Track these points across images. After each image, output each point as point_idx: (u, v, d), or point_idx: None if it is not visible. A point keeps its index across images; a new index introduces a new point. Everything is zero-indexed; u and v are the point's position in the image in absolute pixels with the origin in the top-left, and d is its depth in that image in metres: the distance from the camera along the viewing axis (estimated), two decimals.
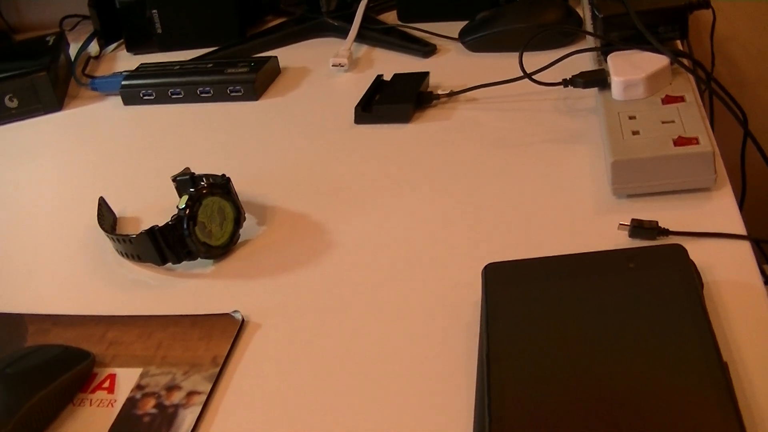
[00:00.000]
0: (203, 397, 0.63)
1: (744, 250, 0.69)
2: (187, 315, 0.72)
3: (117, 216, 0.90)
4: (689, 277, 0.61)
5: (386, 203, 0.83)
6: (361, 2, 1.26)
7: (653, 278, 0.61)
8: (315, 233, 0.80)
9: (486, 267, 0.65)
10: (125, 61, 1.37)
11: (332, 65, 1.17)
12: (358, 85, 1.09)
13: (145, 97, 1.18)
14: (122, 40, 1.43)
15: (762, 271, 0.67)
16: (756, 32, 1.32)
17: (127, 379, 0.66)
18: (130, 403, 0.64)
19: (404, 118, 0.97)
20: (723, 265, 0.67)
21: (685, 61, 0.86)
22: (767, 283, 0.66)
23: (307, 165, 0.92)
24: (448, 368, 0.62)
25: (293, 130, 1.02)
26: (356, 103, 1.01)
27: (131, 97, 1.19)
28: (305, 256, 0.77)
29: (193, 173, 0.88)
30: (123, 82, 1.20)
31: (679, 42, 0.97)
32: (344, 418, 0.60)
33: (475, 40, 1.14)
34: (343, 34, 1.24)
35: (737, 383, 0.56)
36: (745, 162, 1.14)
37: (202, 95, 1.15)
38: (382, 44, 1.23)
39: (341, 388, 0.62)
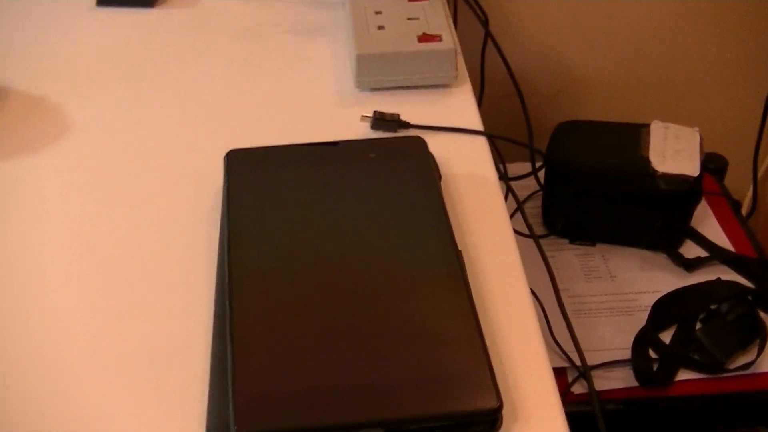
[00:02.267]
0: None
1: (480, 145, 0.71)
2: None
3: None
4: (428, 169, 0.62)
5: (128, 88, 0.79)
6: None
7: (393, 168, 0.62)
8: (53, 118, 0.76)
9: (228, 153, 0.64)
10: None
11: None
12: None
13: None
14: None
15: (496, 167, 0.69)
16: None
17: None
18: None
19: (148, 2, 0.93)
20: (460, 158, 0.69)
21: None
22: (501, 178, 0.69)
23: (46, 47, 0.87)
24: (190, 254, 0.61)
25: (32, 11, 0.95)
26: None
27: None
28: (42, 140, 0.73)
29: None
30: None
31: None
32: (78, 301, 0.58)
33: None
34: None
35: (470, 269, 0.58)
36: (485, 62, 1.18)
37: None
38: None
39: (79, 272, 0.60)
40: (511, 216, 0.66)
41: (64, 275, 0.60)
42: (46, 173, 0.70)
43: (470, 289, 0.53)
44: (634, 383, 0.95)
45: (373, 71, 0.76)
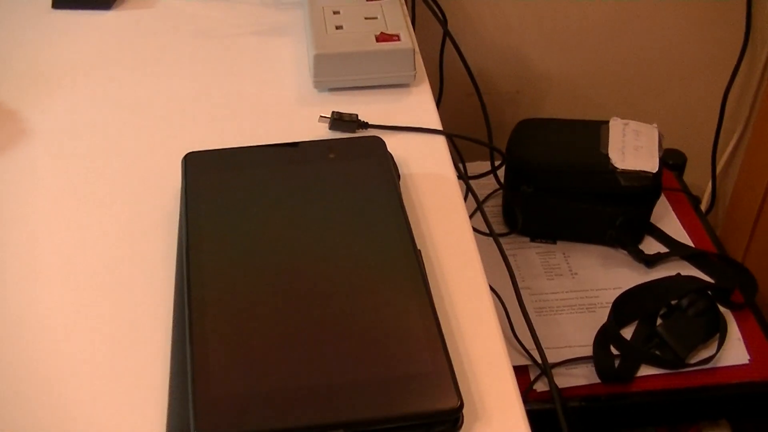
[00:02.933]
0: None
1: (439, 144, 0.71)
2: None
3: None
4: (387, 169, 0.62)
5: (85, 91, 0.78)
6: None
7: (353, 169, 0.62)
8: (8, 123, 0.75)
9: (186, 156, 0.63)
10: None
11: None
12: None
13: None
14: None
15: (456, 167, 0.69)
16: None
17: None
18: None
19: (105, 4, 0.92)
20: (419, 158, 0.69)
21: None
22: (461, 177, 0.69)
23: (0, 50, 0.86)
24: (148, 257, 0.60)
25: None
26: None
27: None
28: None
29: None
30: None
31: None
32: (35, 304, 0.57)
33: None
34: None
35: (430, 268, 0.58)
36: (444, 61, 1.18)
37: None
38: None
39: (36, 277, 0.59)
40: (472, 215, 0.66)
41: (21, 279, 0.59)
42: (2, 178, 0.69)
43: (430, 288, 0.53)
44: (596, 380, 0.96)
45: (331, 71, 0.75)
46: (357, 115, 0.71)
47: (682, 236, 1.12)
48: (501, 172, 1.11)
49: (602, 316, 1.00)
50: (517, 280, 0.98)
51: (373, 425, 0.47)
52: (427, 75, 0.79)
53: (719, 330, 0.99)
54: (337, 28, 0.78)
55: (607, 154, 1.03)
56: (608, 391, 0.96)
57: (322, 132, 0.71)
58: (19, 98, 0.78)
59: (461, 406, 0.47)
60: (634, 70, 1.34)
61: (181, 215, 0.60)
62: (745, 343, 1.00)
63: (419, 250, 0.56)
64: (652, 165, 1.03)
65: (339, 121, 0.71)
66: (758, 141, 1.26)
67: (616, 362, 0.96)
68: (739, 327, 1.01)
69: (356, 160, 0.62)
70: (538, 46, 1.30)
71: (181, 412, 0.48)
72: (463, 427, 0.48)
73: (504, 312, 0.96)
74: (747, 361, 0.98)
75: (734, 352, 0.99)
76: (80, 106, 0.77)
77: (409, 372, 0.48)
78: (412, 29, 0.80)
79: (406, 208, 0.59)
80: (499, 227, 1.14)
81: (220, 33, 0.87)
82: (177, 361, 0.51)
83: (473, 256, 0.60)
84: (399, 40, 0.76)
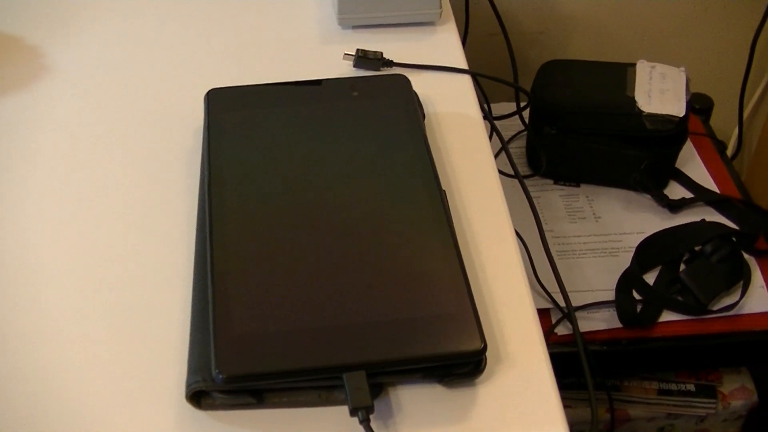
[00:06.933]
0: None
1: (465, 84, 0.70)
2: None
3: None
4: (411, 107, 0.61)
5: (107, 27, 0.77)
6: None
7: (376, 107, 0.61)
8: (31, 59, 0.74)
9: (209, 92, 0.62)
10: None
11: None
12: None
13: None
14: None
15: (480, 107, 0.68)
16: None
17: None
18: None
19: None
20: (444, 97, 0.68)
21: None
22: (485, 118, 0.68)
23: None
24: (170, 194, 0.60)
25: None
26: None
27: None
28: (19, 81, 0.71)
29: None
30: None
31: None
32: (56, 240, 0.57)
33: None
34: None
35: (454, 209, 0.58)
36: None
37: None
38: None
39: (57, 213, 0.59)
40: (496, 156, 0.65)
41: (41, 215, 0.59)
42: (24, 114, 0.68)
43: (454, 229, 0.52)
44: (618, 324, 0.95)
45: (355, 7, 0.74)
46: (382, 53, 0.70)
47: (707, 182, 1.11)
48: (526, 114, 1.10)
49: (625, 261, 1.00)
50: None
51: (395, 366, 0.46)
52: (453, 13, 0.78)
53: (743, 277, 0.98)
54: None
55: (633, 97, 1.02)
56: (629, 336, 0.95)
57: (346, 70, 0.70)
58: (40, 34, 0.77)
59: (484, 348, 0.46)
60: (661, 12, 1.32)
61: (203, 151, 0.59)
62: None
63: (444, 191, 0.55)
64: (678, 109, 1.01)
65: (363, 58, 0.70)
66: None
67: (638, 307, 0.96)
68: (762, 274, 1.00)
69: (380, 98, 0.62)
70: None
71: (202, 351, 0.48)
72: (485, 369, 0.48)
73: (527, 254, 0.95)
74: None
75: (757, 299, 0.98)
76: (102, 42, 0.76)
77: (432, 313, 0.48)
78: None
79: (431, 147, 0.58)
80: (522, 169, 1.13)
81: None
82: (198, 301, 0.51)
83: (498, 197, 0.59)
84: None
